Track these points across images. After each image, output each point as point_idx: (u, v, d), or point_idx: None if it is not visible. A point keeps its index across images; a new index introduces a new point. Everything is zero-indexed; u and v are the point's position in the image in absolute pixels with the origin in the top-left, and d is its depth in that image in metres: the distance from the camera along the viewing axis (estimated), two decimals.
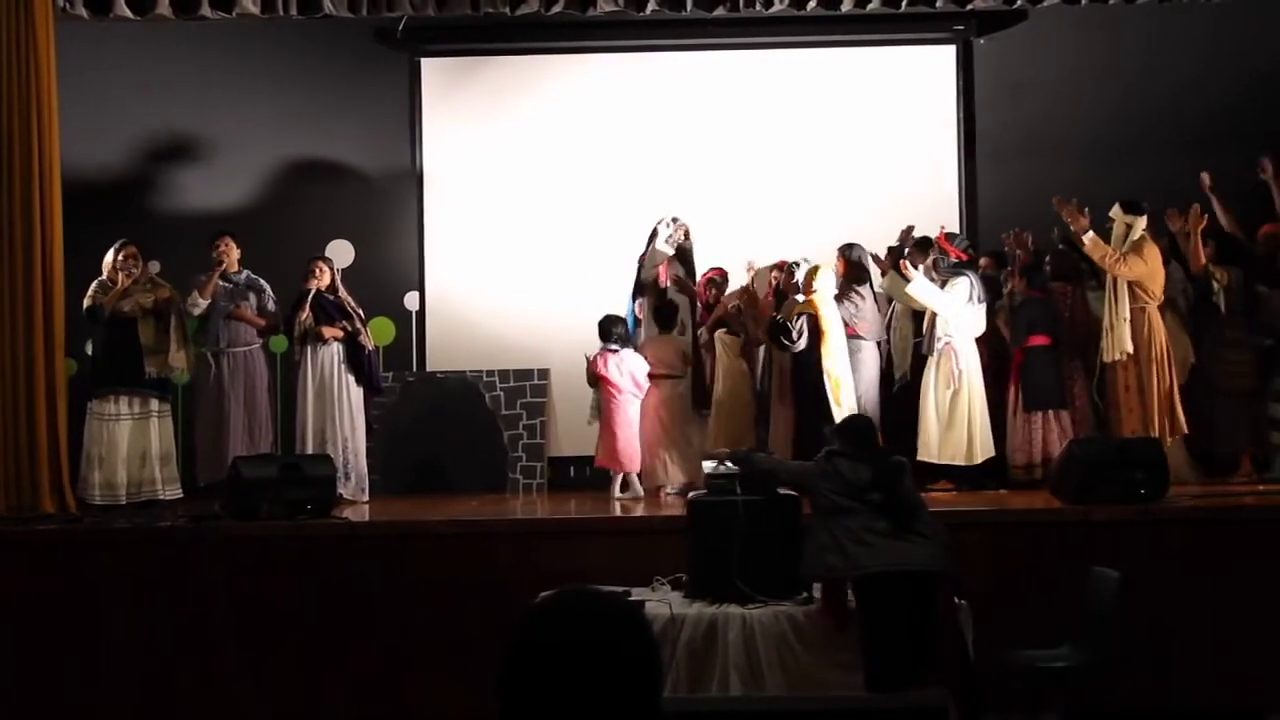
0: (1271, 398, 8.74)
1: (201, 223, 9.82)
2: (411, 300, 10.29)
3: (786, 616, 5.69)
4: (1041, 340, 8.74)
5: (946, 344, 8.65)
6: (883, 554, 5.57)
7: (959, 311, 8.65)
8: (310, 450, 8.68)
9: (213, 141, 10.26)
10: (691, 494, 6.28)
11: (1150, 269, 8.54)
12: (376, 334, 9.72)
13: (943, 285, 8.70)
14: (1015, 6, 9.49)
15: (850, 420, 6.45)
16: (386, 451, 9.77)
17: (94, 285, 8.71)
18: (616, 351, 8.78)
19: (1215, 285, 8.80)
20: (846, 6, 9.02)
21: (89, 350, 8.95)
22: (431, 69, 10.49)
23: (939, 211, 9.75)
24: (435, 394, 10.12)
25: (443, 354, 10.28)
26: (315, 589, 7.08)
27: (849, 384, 8.49)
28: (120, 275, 8.65)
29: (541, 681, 1.94)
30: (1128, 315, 8.47)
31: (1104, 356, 8.56)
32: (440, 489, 9.61)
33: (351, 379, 8.97)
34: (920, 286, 8.61)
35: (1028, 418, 8.66)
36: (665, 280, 9.15)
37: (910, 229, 9.10)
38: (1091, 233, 8.53)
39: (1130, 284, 8.49)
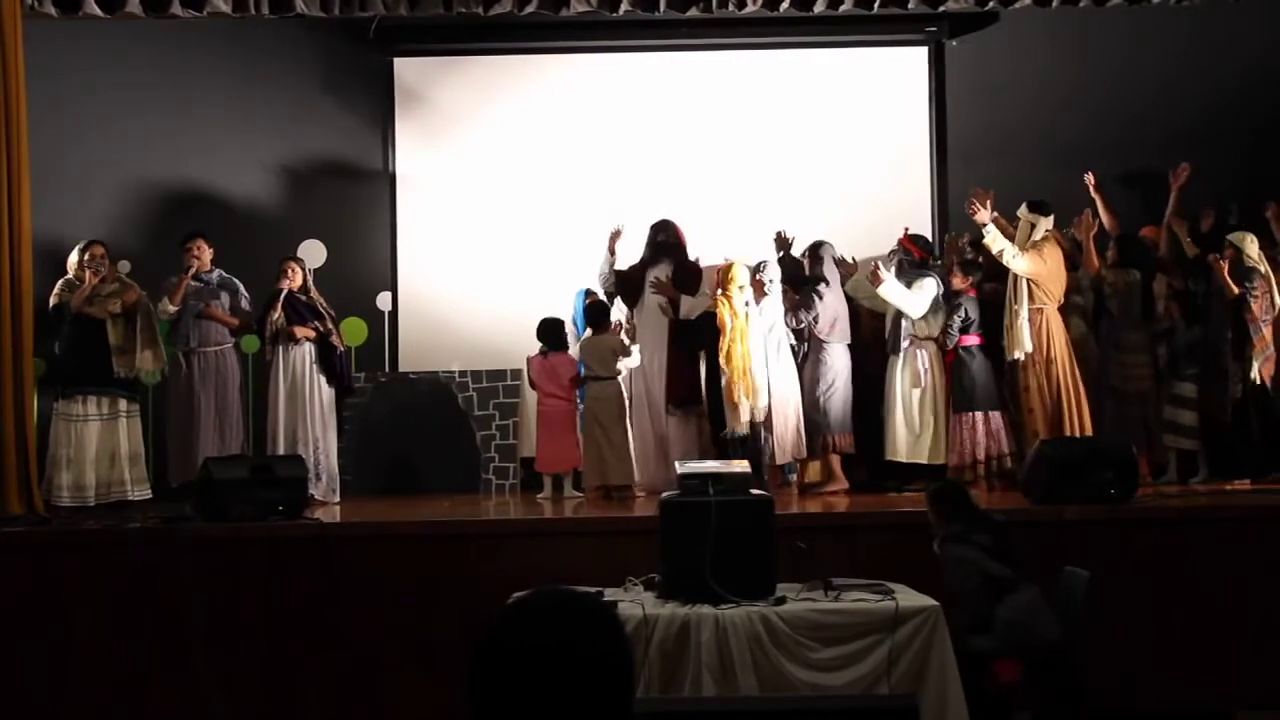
0: (1166, 400, 8.79)
1: (173, 222, 9.76)
2: (384, 300, 10.25)
3: (759, 617, 5.69)
4: (972, 340, 8.69)
5: (913, 343, 8.71)
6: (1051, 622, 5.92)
7: (926, 312, 8.70)
8: (281, 451, 8.65)
9: (183, 140, 10.19)
10: (664, 494, 6.27)
11: (1050, 269, 8.55)
12: (349, 334, 9.69)
13: (908, 286, 8.75)
14: (987, 8, 9.53)
15: (944, 491, 6.42)
16: (358, 452, 9.74)
17: (60, 284, 8.64)
18: (546, 355, 8.91)
19: (1107, 290, 8.83)
20: (819, 8, 9.04)
21: (57, 350, 8.86)
22: (404, 69, 10.46)
23: (911, 212, 9.80)
24: (407, 394, 10.09)
25: (415, 354, 10.25)
26: (286, 590, 7.05)
27: (761, 386, 8.48)
28: (87, 274, 8.58)
29: (514, 682, 1.94)
30: (1027, 315, 8.48)
31: (1006, 356, 8.59)
32: (412, 490, 9.59)
33: (323, 379, 8.95)
34: (892, 289, 8.64)
35: (958, 418, 8.60)
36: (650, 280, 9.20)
37: (780, 233, 9.16)
38: (991, 226, 8.55)
39: (1030, 284, 8.51)
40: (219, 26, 9.64)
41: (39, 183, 8.41)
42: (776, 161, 10.28)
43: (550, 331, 8.99)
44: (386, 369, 10.20)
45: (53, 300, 8.61)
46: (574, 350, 9.15)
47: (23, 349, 8.12)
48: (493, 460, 9.80)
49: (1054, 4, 9.06)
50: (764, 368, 8.52)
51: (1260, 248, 8.74)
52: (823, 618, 5.73)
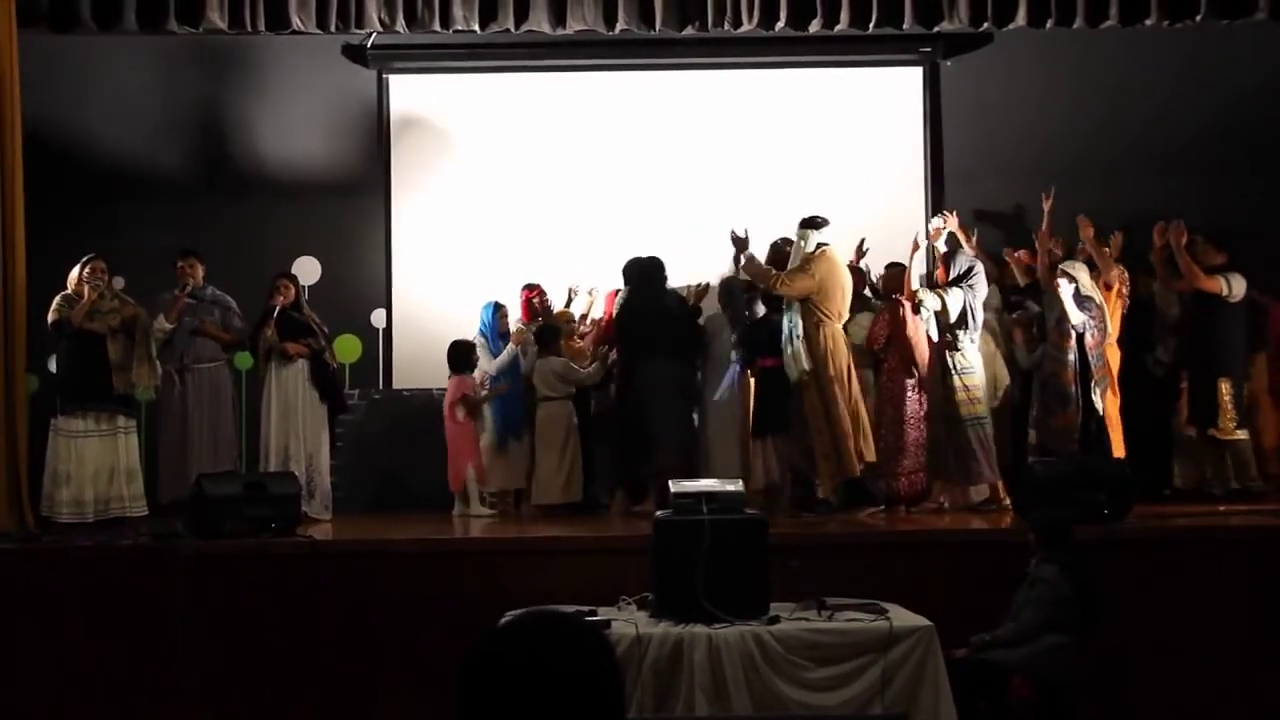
0: (1031, 424, 8.74)
1: (167, 239, 9.73)
2: (378, 317, 10.25)
3: (753, 636, 5.68)
4: (771, 362, 8.51)
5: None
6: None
7: None
8: (274, 468, 8.63)
9: (179, 157, 10.19)
10: (658, 513, 6.25)
11: (820, 285, 8.26)
12: (343, 351, 9.68)
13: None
14: (982, 30, 9.55)
15: (1051, 522, 6.39)
16: (351, 469, 9.72)
17: (59, 299, 8.58)
18: (453, 378, 9.07)
19: (924, 310, 8.65)
20: (815, 28, 9.05)
21: (51, 366, 8.83)
22: (400, 86, 10.47)
23: (905, 232, 9.74)
24: (401, 411, 10.09)
25: (409, 371, 10.24)
26: (278, 608, 7.03)
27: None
28: (87, 289, 8.54)
29: (500, 703, 1.93)
30: (802, 333, 8.24)
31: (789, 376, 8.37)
32: (405, 507, 9.56)
33: (316, 396, 8.93)
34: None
35: (760, 442, 8.52)
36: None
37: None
38: (750, 254, 8.48)
39: (805, 301, 8.28)
40: (214, 43, 9.64)
41: (32, 196, 8.41)
42: (771, 181, 10.29)
43: (453, 354, 9.12)
44: (380, 386, 10.19)
45: (51, 316, 8.56)
46: (485, 364, 9.16)
47: (15, 365, 8.10)
48: None
49: (1048, 25, 9.07)
50: None
51: (1091, 277, 8.68)
52: (816, 637, 5.72)
